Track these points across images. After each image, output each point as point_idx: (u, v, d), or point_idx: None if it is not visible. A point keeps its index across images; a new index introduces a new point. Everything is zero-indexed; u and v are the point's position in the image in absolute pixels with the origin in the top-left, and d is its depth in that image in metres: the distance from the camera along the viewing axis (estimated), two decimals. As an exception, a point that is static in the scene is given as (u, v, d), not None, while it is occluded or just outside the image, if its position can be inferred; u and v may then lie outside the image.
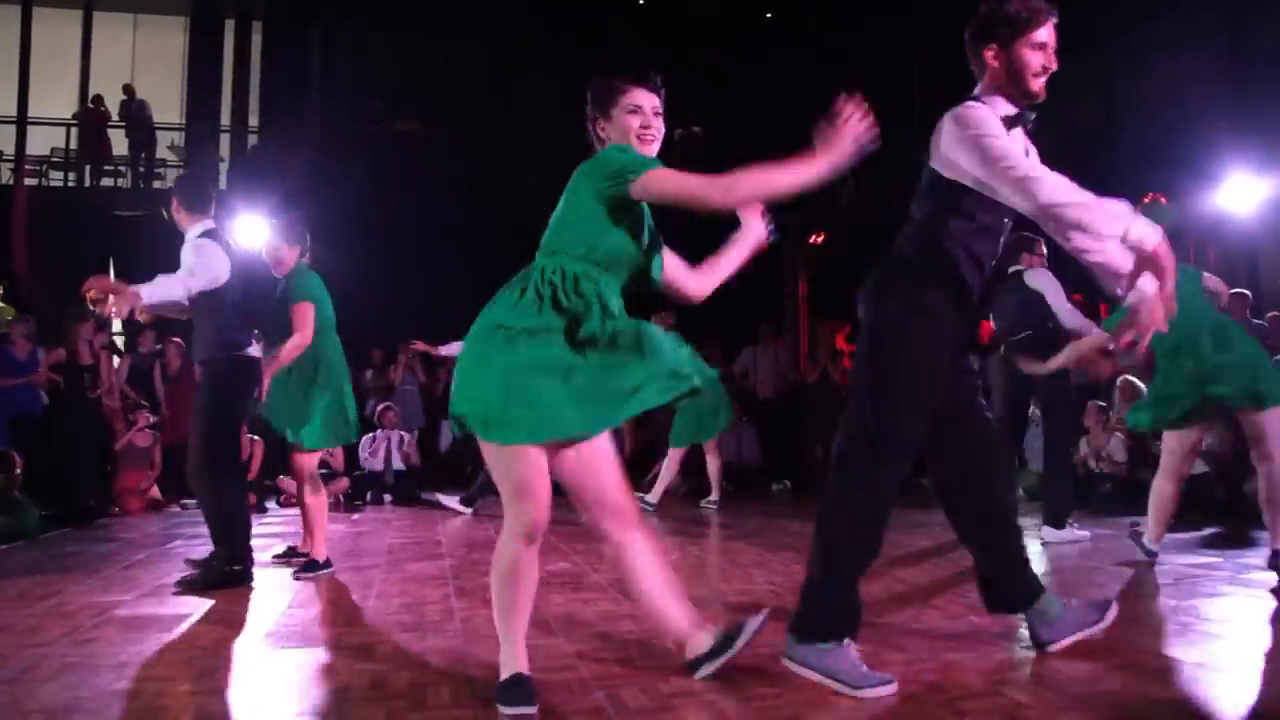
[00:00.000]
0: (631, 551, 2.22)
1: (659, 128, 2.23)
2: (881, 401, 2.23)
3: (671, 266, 2.32)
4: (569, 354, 2.02)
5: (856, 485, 2.24)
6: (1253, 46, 10.71)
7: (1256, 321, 7.31)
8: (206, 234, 3.88)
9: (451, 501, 6.63)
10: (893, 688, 2.13)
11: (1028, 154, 2.31)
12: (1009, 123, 2.26)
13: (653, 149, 2.22)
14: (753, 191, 2.10)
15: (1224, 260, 10.69)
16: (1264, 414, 3.65)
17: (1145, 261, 2.06)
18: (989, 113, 2.23)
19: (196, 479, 3.83)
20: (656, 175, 2.08)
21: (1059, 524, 4.82)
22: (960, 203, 2.26)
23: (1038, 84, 2.28)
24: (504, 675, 2.09)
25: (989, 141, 2.15)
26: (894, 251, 2.39)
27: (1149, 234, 2.03)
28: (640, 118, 2.20)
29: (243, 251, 4.04)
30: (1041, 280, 4.84)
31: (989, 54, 2.30)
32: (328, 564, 4.07)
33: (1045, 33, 2.26)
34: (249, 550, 3.89)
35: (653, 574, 2.24)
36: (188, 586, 3.66)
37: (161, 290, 3.60)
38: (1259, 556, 4.24)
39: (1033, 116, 2.33)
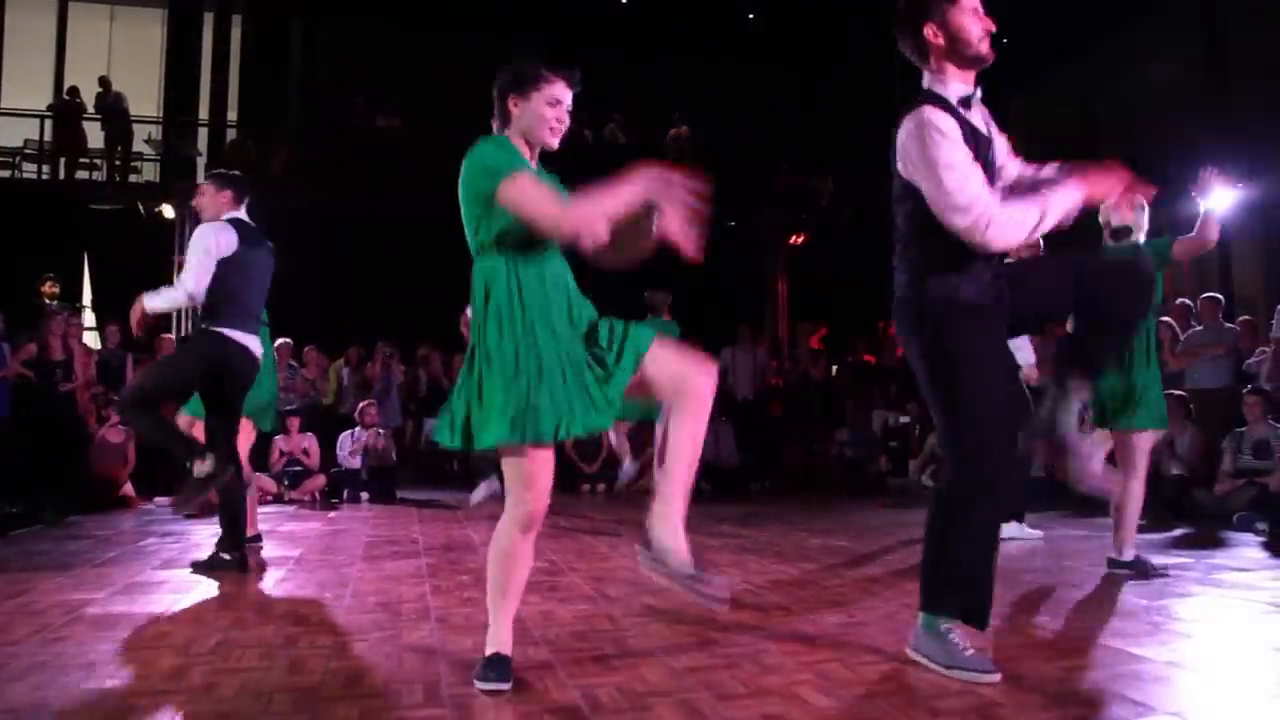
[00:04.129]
0: (676, 409, 2.18)
1: (568, 123, 2.28)
2: None
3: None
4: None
5: None
6: (1228, 54, 10.86)
7: (1229, 325, 7.41)
8: (231, 221, 4.05)
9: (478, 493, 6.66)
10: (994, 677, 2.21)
11: (987, 129, 2.36)
12: (964, 103, 2.30)
13: (556, 142, 2.27)
14: (581, 223, 2.08)
15: (1198, 265, 10.83)
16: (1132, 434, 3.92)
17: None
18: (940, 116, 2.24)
19: (123, 408, 3.96)
20: (519, 182, 2.10)
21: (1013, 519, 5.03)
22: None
23: (985, 46, 2.30)
24: (487, 652, 2.25)
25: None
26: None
27: None
28: (558, 111, 2.24)
29: (254, 240, 4.12)
30: None
31: (929, 31, 2.30)
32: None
33: None
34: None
35: (676, 437, 2.18)
36: (198, 567, 3.97)
37: (164, 300, 3.94)
38: (1229, 557, 4.31)
39: (979, 93, 2.35)
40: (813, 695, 2.13)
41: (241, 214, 4.12)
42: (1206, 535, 5.12)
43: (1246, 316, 7.84)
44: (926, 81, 2.36)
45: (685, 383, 2.18)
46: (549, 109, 2.22)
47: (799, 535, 5.15)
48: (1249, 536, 5.08)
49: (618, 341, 2.16)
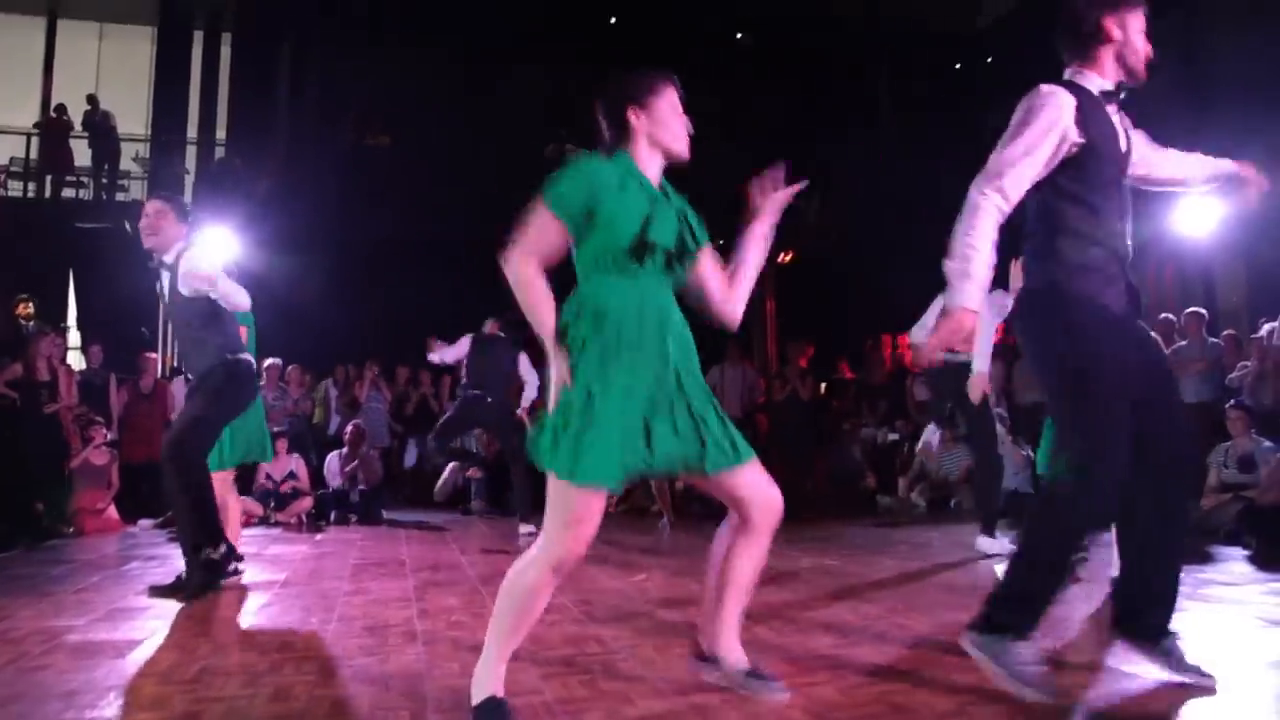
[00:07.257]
0: (739, 545, 2.22)
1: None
2: None
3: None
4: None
5: None
6: (1207, 69, 10.99)
7: (1212, 340, 7.47)
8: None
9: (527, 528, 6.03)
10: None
11: (1126, 135, 2.39)
12: (1107, 97, 2.34)
13: (688, 152, 2.20)
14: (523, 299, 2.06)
15: (1180, 279, 10.93)
16: None
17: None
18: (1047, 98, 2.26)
19: (171, 453, 3.85)
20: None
21: (990, 531, 5.08)
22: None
23: (1142, 62, 2.35)
24: (479, 697, 2.03)
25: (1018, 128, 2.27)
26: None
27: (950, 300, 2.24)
28: (684, 120, 2.17)
29: None
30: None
31: (1111, 22, 2.35)
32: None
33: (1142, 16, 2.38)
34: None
35: (736, 574, 2.23)
36: (189, 597, 3.74)
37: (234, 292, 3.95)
38: (1217, 572, 4.32)
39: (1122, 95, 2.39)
40: (804, 718, 2.11)
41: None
42: (1194, 550, 5.13)
43: (1230, 331, 7.90)
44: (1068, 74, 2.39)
45: (769, 515, 2.19)
46: (676, 118, 2.14)
47: (790, 555, 5.12)
48: (1236, 550, 5.10)
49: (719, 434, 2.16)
